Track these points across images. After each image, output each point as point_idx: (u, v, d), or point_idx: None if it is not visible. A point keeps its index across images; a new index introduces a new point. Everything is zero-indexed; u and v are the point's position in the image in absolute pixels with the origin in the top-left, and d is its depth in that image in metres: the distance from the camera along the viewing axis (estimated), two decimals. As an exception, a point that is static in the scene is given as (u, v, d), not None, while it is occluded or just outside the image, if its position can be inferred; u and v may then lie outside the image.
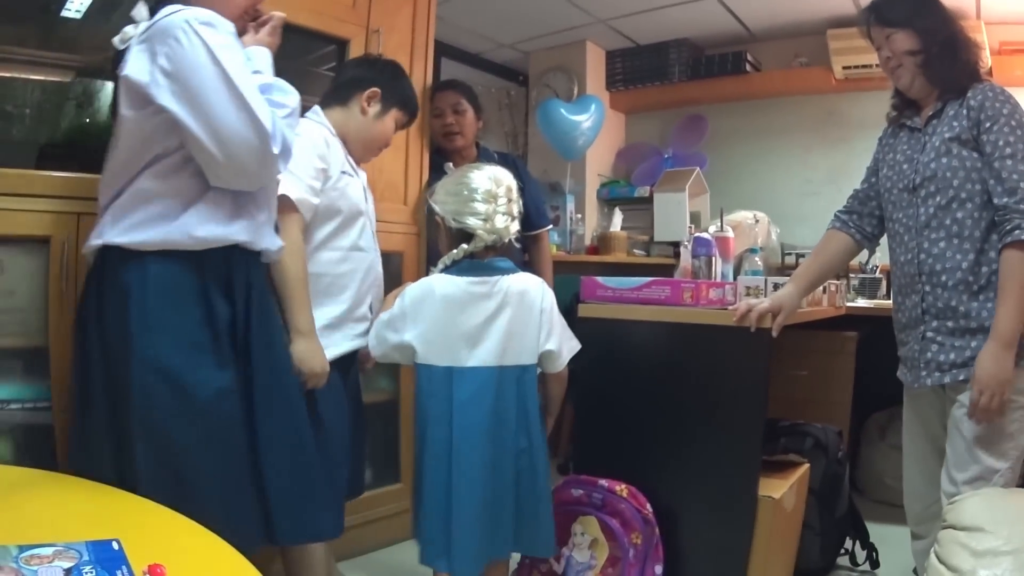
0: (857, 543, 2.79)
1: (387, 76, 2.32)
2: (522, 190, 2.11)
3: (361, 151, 2.28)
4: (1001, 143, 1.85)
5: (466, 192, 1.97)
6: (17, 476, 1.49)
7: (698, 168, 4.55)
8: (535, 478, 1.96)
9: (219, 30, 1.61)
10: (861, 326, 3.41)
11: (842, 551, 2.79)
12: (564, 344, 2.05)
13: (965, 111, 1.92)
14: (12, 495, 1.27)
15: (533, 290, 2.00)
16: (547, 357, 2.03)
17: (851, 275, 3.81)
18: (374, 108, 2.25)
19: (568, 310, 2.20)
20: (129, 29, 1.65)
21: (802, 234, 4.01)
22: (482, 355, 1.93)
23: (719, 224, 2.94)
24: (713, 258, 2.63)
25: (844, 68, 4.33)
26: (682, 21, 4.59)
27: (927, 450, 2.12)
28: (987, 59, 3.74)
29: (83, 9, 2.33)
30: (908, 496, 2.18)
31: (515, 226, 2.01)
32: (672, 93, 5.04)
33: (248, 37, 1.80)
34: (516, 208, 2.02)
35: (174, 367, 1.59)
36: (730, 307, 2.20)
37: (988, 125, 1.87)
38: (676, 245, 3.86)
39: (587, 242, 4.87)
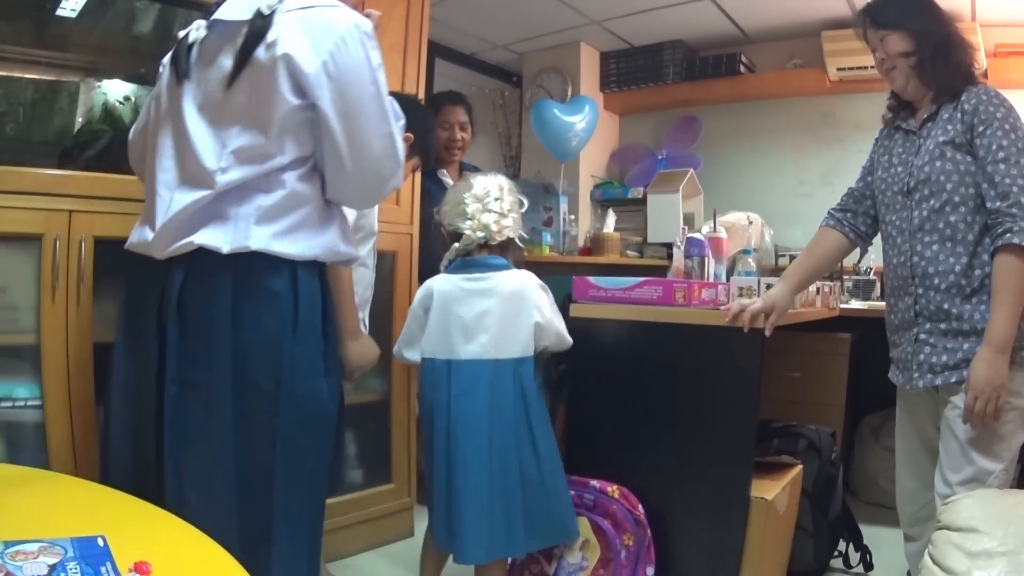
0: (851, 545, 2.78)
1: (422, 127, 2.35)
2: None
3: None
4: (994, 147, 1.85)
5: (460, 198, 2.15)
6: (6, 473, 1.48)
7: (692, 169, 4.56)
8: (540, 468, 2.04)
9: (376, 46, 1.59)
10: (855, 328, 3.41)
11: (835, 553, 2.78)
12: (558, 326, 2.15)
13: (959, 114, 1.92)
14: (1, 492, 1.26)
15: (526, 286, 2.10)
16: (542, 332, 2.12)
17: (845, 276, 3.82)
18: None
19: (561, 311, 2.22)
20: None
21: (795, 236, 4.01)
22: (476, 349, 2.05)
23: (712, 225, 2.94)
24: (706, 259, 2.64)
25: (838, 70, 4.32)
26: (676, 22, 4.58)
27: (920, 451, 2.11)
28: (982, 61, 3.74)
29: (78, 8, 2.33)
30: (901, 498, 2.18)
31: (507, 223, 2.12)
32: (666, 94, 5.03)
33: None
34: (507, 206, 2.12)
35: (316, 383, 1.61)
36: (722, 307, 2.20)
37: (982, 129, 1.87)
38: (669, 246, 3.86)
39: (580, 243, 4.87)
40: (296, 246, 1.55)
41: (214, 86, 1.55)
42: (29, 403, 1.99)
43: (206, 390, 1.51)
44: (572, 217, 4.88)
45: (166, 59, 1.66)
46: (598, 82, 5.19)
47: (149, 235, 1.55)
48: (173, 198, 1.53)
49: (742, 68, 4.70)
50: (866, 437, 3.68)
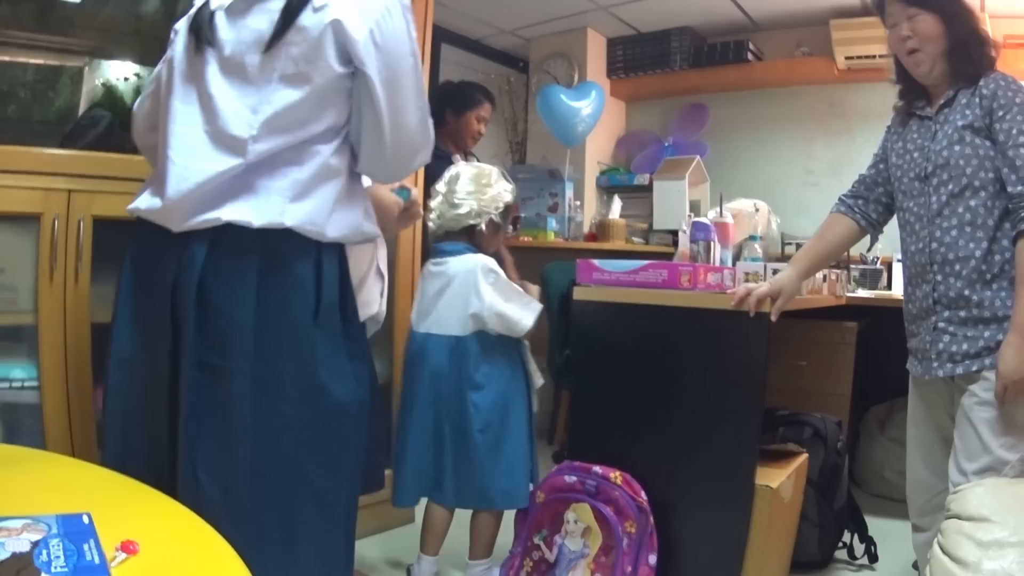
0: (855, 536, 2.76)
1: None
2: None
3: None
4: (1015, 131, 1.83)
5: (431, 191, 2.39)
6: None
7: (698, 157, 4.53)
8: (469, 439, 2.21)
9: (414, 19, 1.58)
10: (862, 317, 3.39)
11: (840, 544, 2.75)
12: (499, 309, 2.22)
13: (978, 99, 1.90)
14: (-9, 471, 1.24)
15: (472, 270, 2.24)
16: (477, 320, 2.24)
17: (852, 266, 3.79)
18: None
19: (565, 296, 2.21)
20: None
21: (802, 224, 3.97)
22: (429, 324, 2.31)
23: (719, 210, 2.91)
24: (712, 243, 2.60)
25: (847, 59, 4.30)
26: (684, 9, 4.56)
27: (933, 440, 2.08)
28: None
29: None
30: (911, 487, 2.15)
31: (461, 211, 2.28)
32: (673, 81, 5.01)
33: None
34: (459, 197, 2.29)
35: (342, 369, 1.60)
36: (728, 291, 2.17)
37: (1001, 114, 1.85)
38: (675, 233, 3.84)
39: (585, 229, 4.83)
40: (328, 224, 1.53)
41: (245, 49, 1.50)
42: (26, 384, 1.98)
43: (226, 375, 1.47)
44: (577, 203, 4.86)
45: (180, 25, 1.60)
46: (605, 68, 5.17)
47: (158, 203, 1.50)
48: (189, 166, 1.47)
49: (750, 56, 4.67)
50: (872, 428, 3.65)
